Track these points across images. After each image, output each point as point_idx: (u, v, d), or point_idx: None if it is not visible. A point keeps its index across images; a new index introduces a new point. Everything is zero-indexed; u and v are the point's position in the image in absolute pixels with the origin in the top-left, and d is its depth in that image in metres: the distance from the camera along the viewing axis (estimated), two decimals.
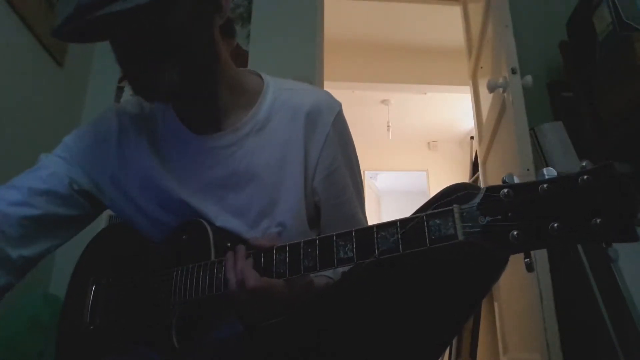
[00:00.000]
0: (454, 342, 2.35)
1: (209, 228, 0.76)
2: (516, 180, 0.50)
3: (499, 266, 0.62)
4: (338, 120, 0.83)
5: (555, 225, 0.46)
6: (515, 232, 0.48)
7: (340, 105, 0.85)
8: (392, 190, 6.51)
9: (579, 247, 1.54)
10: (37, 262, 0.79)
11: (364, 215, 0.89)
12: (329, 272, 0.80)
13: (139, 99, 0.88)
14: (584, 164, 0.47)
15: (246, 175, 0.79)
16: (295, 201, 0.79)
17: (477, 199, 0.51)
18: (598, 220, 0.44)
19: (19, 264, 0.75)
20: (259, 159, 0.79)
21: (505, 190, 0.49)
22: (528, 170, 1.53)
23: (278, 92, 0.83)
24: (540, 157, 1.81)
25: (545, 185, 0.47)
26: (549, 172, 0.49)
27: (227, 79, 0.79)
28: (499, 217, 0.49)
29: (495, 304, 2.07)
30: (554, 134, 1.84)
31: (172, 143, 0.82)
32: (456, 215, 0.52)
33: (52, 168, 0.80)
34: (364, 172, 5.58)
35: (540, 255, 1.50)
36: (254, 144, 0.80)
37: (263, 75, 0.86)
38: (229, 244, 0.75)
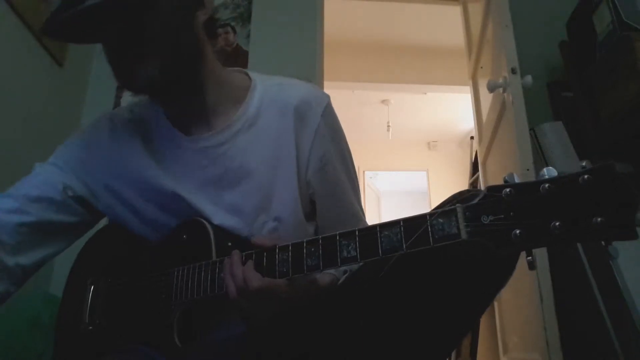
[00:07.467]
0: None
1: (209, 227, 0.75)
2: (517, 179, 0.50)
3: (506, 271, 0.61)
4: (327, 113, 0.83)
5: (557, 224, 0.46)
6: (517, 231, 0.48)
7: (328, 97, 0.84)
8: (392, 190, 6.52)
9: (579, 246, 1.54)
10: (34, 271, 0.79)
11: (360, 205, 0.89)
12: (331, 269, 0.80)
13: (131, 105, 0.89)
14: (583, 163, 0.47)
15: (240, 173, 0.79)
16: (290, 195, 0.79)
17: (480, 199, 0.51)
18: (599, 219, 0.45)
19: (16, 272, 0.75)
20: (251, 156, 0.79)
21: (507, 189, 0.50)
22: (528, 170, 1.53)
23: (266, 88, 0.83)
24: (540, 157, 1.80)
25: (546, 185, 0.48)
26: (550, 171, 0.49)
27: (213, 78, 0.80)
28: (502, 216, 0.50)
29: (495, 303, 2.07)
30: (554, 134, 1.84)
31: (165, 146, 0.82)
32: (459, 215, 0.52)
33: (46, 175, 0.81)
34: (364, 172, 5.59)
35: (540, 256, 1.50)
36: (245, 141, 0.80)
37: (250, 72, 0.86)
38: (229, 244, 0.75)
